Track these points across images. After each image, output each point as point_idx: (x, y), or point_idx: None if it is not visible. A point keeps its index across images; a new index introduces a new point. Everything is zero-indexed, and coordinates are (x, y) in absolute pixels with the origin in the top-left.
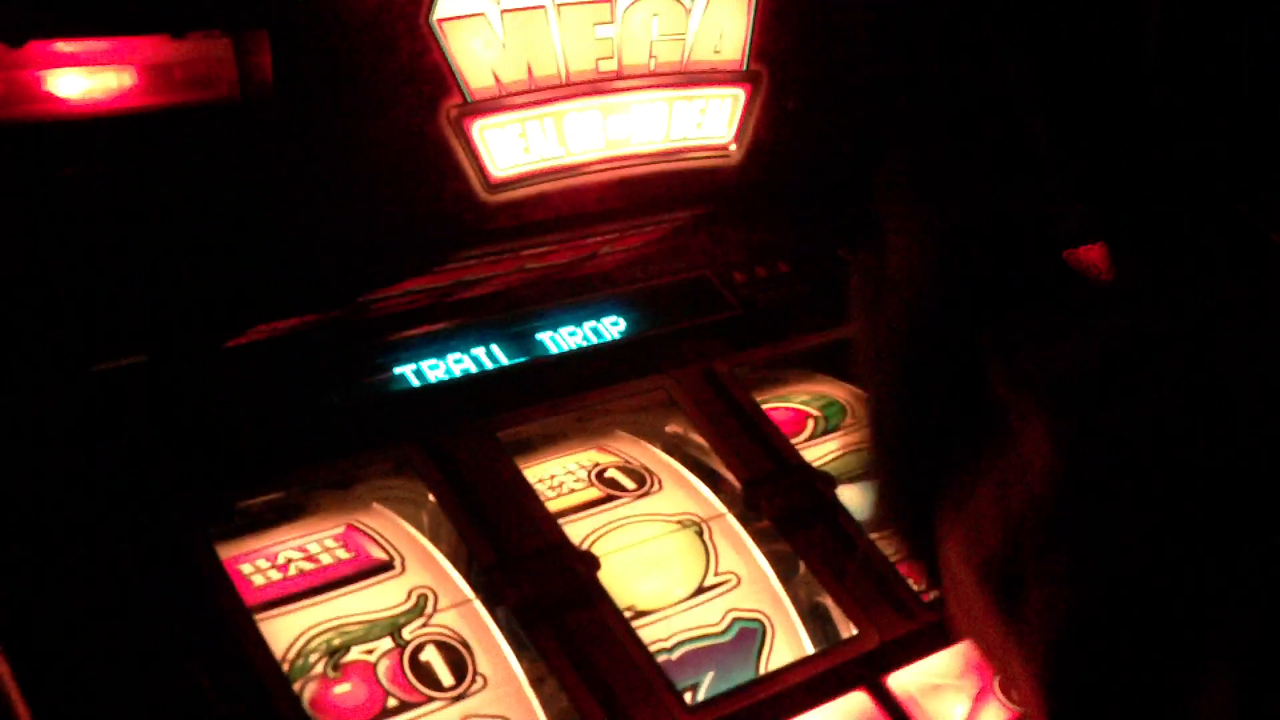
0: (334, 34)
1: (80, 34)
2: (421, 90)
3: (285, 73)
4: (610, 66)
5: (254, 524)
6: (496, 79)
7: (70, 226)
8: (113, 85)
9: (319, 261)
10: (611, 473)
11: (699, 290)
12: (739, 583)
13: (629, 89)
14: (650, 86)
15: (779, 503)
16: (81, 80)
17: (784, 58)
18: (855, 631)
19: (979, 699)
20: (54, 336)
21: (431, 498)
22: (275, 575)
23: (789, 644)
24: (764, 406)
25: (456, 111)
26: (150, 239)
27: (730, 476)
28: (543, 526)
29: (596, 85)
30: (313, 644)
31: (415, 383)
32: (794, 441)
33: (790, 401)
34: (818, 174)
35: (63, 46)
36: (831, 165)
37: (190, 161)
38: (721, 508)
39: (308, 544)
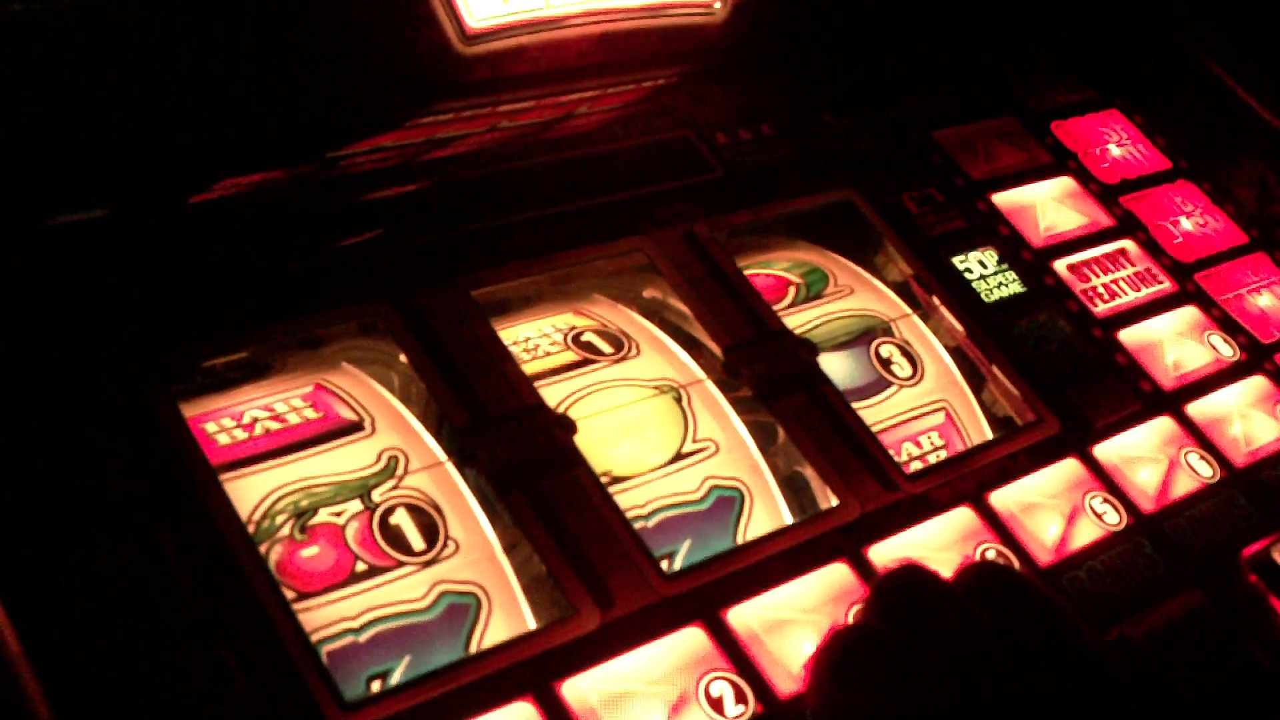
0: None
1: None
2: None
3: None
4: None
5: (219, 383)
6: None
7: (25, 71)
8: None
9: (288, 114)
10: (588, 336)
11: (680, 151)
12: (717, 450)
13: None
14: None
15: (759, 370)
16: None
17: None
18: (835, 502)
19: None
20: (8, 188)
21: (403, 357)
22: (241, 435)
23: (767, 513)
24: (745, 272)
25: None
26: (111, 87)
27: (710, 343)
28: (518, 389)
29: None
30: (279, 505)
31: (388, 240)
32: (775, 308)
33: (772, 267)
34: (803, 35)
35: None
36: (818, 27)
37: (154, 6)
38: (700, 374)
39: (274, 403)
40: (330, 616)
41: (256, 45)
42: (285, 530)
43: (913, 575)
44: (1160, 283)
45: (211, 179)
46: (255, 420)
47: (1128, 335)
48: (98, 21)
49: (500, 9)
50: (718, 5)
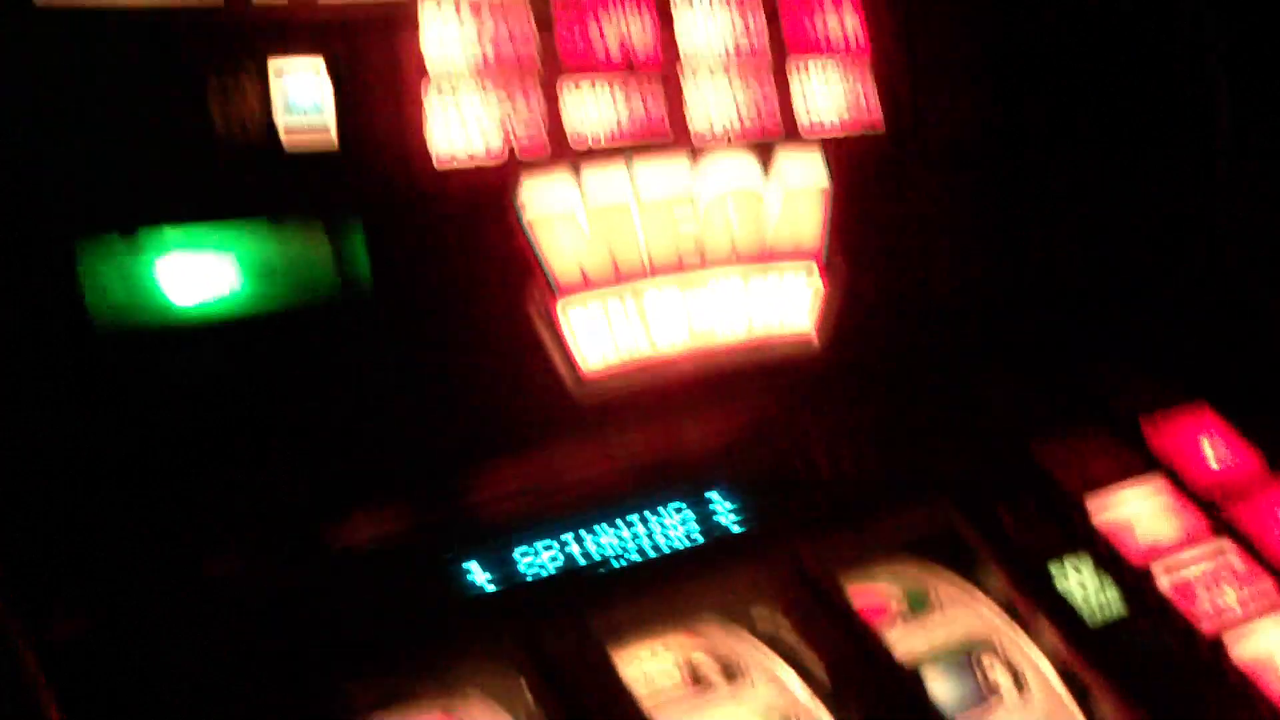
0: (428, 233)
1: (185, 218)
2: (511, 286)
3: (382, 270)
4: (693, 259)
5: (353, 712)
6: (583, 272)
7: (179, 426)
8: (219, 284)
9: (416, 455)
10: (703, 664)
11: (785, 475)
12: None
13: (711, 279)
14: (732, 277)
15: (868, 696)
16: (190, 272)
17: (861, 247)
18: None
19: None
20: (165, 538)
21: (526, 690)
22: None
23: None
24: (850, 590)
25: (545, 301)
26: (254, 437)
27: (817, 669)
28: None
29: (679, 276)
30: None
31: (509, 576)
32: (881, 629)
33: (875, 582)
34: (897, 357)
35: (170, 232)
36: (908, 349)
37: (294, 361)
38: (812, 702)
39: None
40: None
41: (383, 393)
42: None
43: None
44: (1268, 591)
45: (345, 516)
46: None
47: (1239, 650)
48: (242, 379)
49: (611, 352)
50: (813, 336)
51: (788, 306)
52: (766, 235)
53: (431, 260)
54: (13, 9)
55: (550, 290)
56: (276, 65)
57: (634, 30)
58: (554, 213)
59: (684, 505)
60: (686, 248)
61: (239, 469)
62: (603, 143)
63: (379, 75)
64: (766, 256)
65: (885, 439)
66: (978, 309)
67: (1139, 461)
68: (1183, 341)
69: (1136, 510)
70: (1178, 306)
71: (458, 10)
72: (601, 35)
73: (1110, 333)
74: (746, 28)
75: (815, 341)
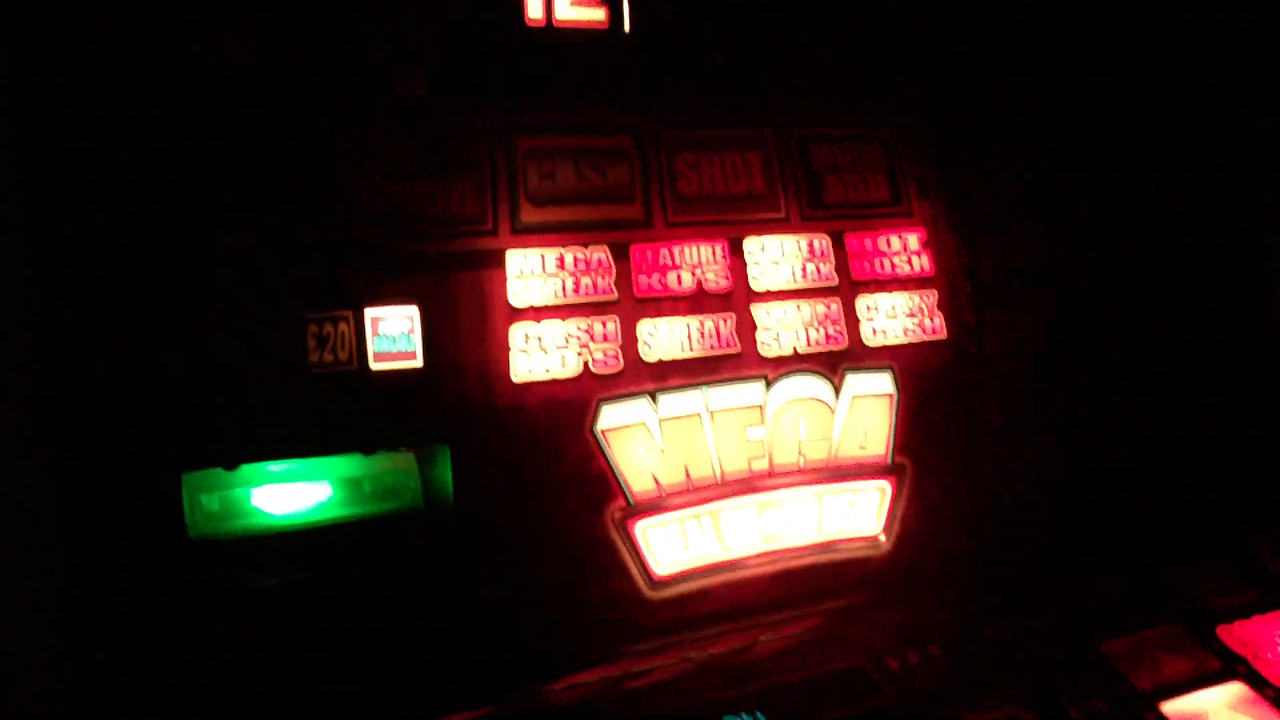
0: (506, 446)
1: (284, 455)
2: (588, 495)
3: (463, 482)
4: (762, 466)
5: None
6: (656, 482)
7: (271, 633)
8: (311, 498)
9: (495, 655)
10: None
11: (854, 679)
12: None
13: (781, 486)
14: (801, 484)
15: None
16: (284, 494)
17: (928, 451)
18: None
19: None
20: None
21: None
22: None
23: None
24: None
25: (621, 514)
26: (343, 639)
27: None
28: None
29: (750, 484)
30: None
31: None
32: None
33: None
34: (963, 558)
35: (271, 467)
36: (976, 549)
37: (378, 565)
38: None
39: None
40: None
41: (465, 596)
42: None
43: None
44: None
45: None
46: None
47: None
48: (331, 585)
49: (683, 555)
50: (882, 538)
51: (856, 511)
52: (834, 442)
53: (510, 475)
54: None
55: (626, 501)
56: (373, 312)
57: (705, 263)
58: (628, 424)
59: (756, 707)
60: (756, 453)
61: (329, 665)
62: (675, 357)
63: (465, 311)
64: (834, 464)
65: (953, 639)
66: (1046, 509)
67: (1215, 662)
68: (1260, 539)
69: (1213, 709)
70: (1255, 502)
71: (543, 263)
72: (676, 271)
73: (1185, 531)
74: (818, 271)
75: (884, 544)
